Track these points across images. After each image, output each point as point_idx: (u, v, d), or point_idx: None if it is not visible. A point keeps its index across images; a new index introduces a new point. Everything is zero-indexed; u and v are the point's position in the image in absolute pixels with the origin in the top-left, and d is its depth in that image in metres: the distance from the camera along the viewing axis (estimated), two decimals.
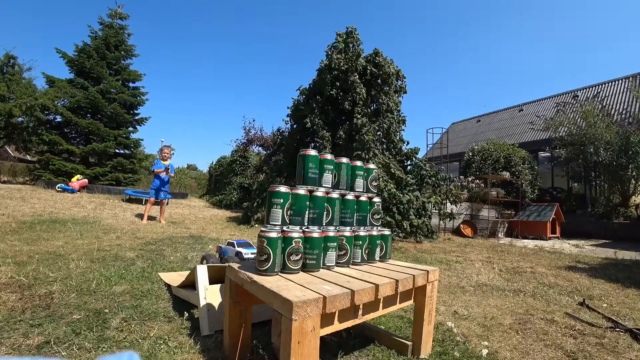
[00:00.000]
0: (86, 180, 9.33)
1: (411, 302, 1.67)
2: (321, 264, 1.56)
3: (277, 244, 1.42)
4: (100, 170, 10.57)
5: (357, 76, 6.99)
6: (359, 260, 1.76)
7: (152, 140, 64.81)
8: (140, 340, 1.67)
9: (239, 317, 1.58)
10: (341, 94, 7.11)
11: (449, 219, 7.55)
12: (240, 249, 2.87)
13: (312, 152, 1.66)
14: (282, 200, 1.50)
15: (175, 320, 1.95)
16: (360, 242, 1.75)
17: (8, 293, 2.11)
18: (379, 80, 7.44)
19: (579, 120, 10.14)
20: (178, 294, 2.30)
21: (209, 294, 1.95)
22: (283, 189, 1.52)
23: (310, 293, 1.19)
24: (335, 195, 1.68)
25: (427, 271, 1.67)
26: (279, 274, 1.45)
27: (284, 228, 1.50)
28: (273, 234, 1.41)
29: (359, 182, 1.86)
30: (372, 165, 1.95)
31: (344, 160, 1.81)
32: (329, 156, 1.74)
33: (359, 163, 1.88)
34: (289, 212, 1.53)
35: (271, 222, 1.49)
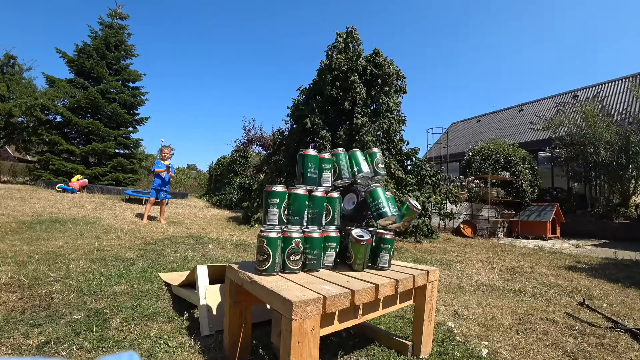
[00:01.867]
0: (86, 180, 9.34)
1: (411, 302, 1.67)
2: (321, 264, 1.56)
3: (277, 243, 1.41)
4: (100, 170, 10.58)
5: (357, 76, 6.99)
6: None
7: (152, 140, 64.82)
8: (140, 340, 1.67)
9: (239, 317, 1.58)
10: (341, 94, 7.11)
11: (449, 219, 7.55)
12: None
13: (312, 152, 1.66)
14: (278, 200, 1.49)
15: (175, 320, 1.95)
16: None
17: (8, 293, 2.11)
18: (379, 80, 7.44)
19: (579, 120, 10.14)
20: (178, 293, 2.30)
21: (209, 294, 1.95)
22: (279, 188, 1.51)
23: (310, 293, 1.19)
24: (335, 194, 1.68)
25: (427, 271, 1.67)
26: (279, 274, 1.45)
27: (284, 228, 1.50)
28: (273, 234, 1.41)
29: (364, 165, 1.86)
30: (375, 149, 1.95)
31: (340, 150, 1.82)
32: (326, 155, 1.74)
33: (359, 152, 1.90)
34: (285, 212, 1.52)
35: (268, 222, 1.49)
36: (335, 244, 1.62)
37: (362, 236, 1.56)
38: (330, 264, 1.61)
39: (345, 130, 7.08)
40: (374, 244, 1.67)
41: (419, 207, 1.75)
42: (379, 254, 1.65)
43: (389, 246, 1.67)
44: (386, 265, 1.66)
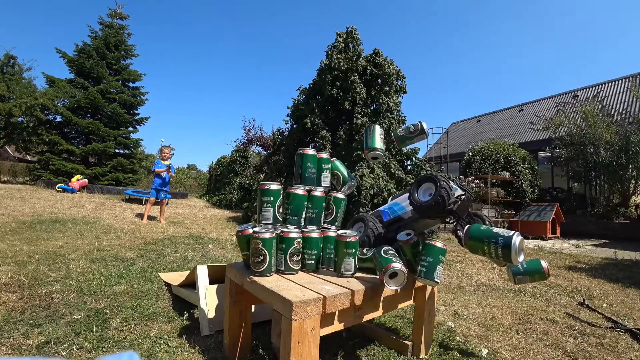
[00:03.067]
0: (86, 180, 9.34)
1: (411, 302, 1.67)
2: (320, 265, 1.55)
3: (273, 244, 1.39)
4: (100, 170, 10.58)
5: (357, 76, 6.99)
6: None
7: (152, 140, 64.91)
8: (140, 340, 1.67)
9: (239, 317, 1.58)
10: (341, 93, 7.11)
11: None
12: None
13: (310, 151, 1.64)
14: (272, 198, 1.47)
15: (175, 320, 1.95)
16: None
17: (8, 293, 2.11)
18: (379, 80, 7.44)
19: (579, 120, 10.14)
20: (178, 293, 2.30)
21: (209, 294, 1.95)
22: (273, 186, 1.49)
23: (310, 293, 1.19)
24: (340, 195, 1.67)
25: None
26: (281, 274, 1.44)
27: (283, 228, 1.49)
28: (267, 235, 1.38)
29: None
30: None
31: (334, 159, 1.82)
32: (325, 155, 1.73)
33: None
34: (280, 210, 1.50)
35: (263, 221, 1.46)
36: (354, 250, 1.44)
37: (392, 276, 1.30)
38: (351, 272, 1.44)
39: (345, 130, 7.08)
40: (430, 258, 1.39)
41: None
42: (435, 267, 1.38)
43: (444, 257, 1.43)
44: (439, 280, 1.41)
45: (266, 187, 1.48)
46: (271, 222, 1.47)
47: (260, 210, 1.49)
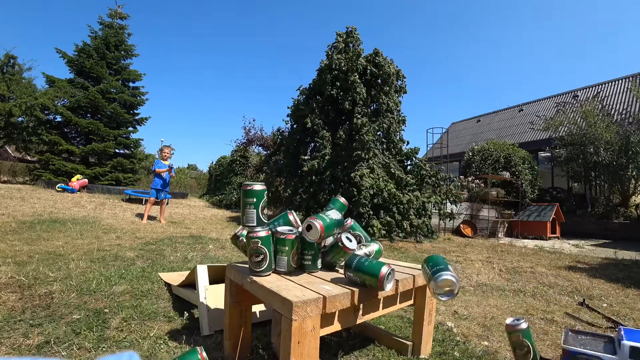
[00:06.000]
0: (86, 180, 9.33)
1: (411, 302, 1.67)
2: (318, 265, 1.54)
3: (270, 241, 1.39)
4: (100, 170, 10.58)
5: (357, 76, 6.99)
6: None
7: (152, 140, 64.86)
8: (140, 340, 1.67)
9: (239, 317, 1.58)
10: (341, 93, 7.10)
11: (449, 219, 7.55)
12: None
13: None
14: (255, 200, 1.40)
15: (175, 320, 1.95)
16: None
17: (8, 293, 2.11)
18: (379, 80, 7.44)
19: (579, 120, 10.14)
20: (178, 292, 2.31)
21: (209, 294, 1.95)
22: (257, 186, 1.42)
23: (310, 293, 1.19)
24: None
25: None
26: (280, 274, 1.44)
27: (284, 230, 1.48)
28: (263, 233, 1.36)
29: None
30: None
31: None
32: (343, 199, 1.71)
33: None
34: (264, 212, 1.43)
35: (247, 224, 1.41)
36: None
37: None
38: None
39: (345, 130, 7.08)
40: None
41: None
42: None
43: None
44: None
45: (249, 187, 1.41)
46: (255, 224, 1.40)
47: (243, 212, 1.42)
